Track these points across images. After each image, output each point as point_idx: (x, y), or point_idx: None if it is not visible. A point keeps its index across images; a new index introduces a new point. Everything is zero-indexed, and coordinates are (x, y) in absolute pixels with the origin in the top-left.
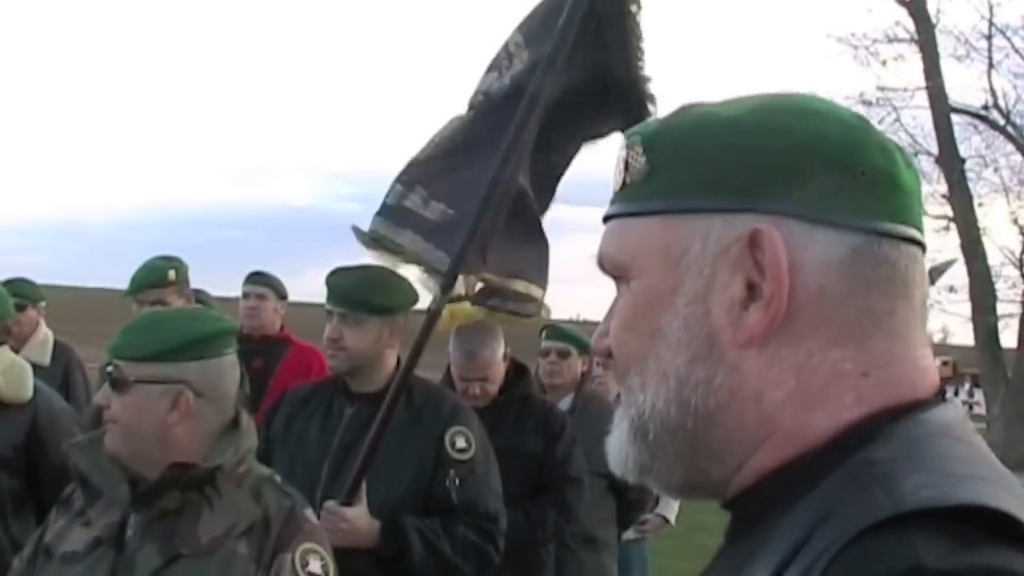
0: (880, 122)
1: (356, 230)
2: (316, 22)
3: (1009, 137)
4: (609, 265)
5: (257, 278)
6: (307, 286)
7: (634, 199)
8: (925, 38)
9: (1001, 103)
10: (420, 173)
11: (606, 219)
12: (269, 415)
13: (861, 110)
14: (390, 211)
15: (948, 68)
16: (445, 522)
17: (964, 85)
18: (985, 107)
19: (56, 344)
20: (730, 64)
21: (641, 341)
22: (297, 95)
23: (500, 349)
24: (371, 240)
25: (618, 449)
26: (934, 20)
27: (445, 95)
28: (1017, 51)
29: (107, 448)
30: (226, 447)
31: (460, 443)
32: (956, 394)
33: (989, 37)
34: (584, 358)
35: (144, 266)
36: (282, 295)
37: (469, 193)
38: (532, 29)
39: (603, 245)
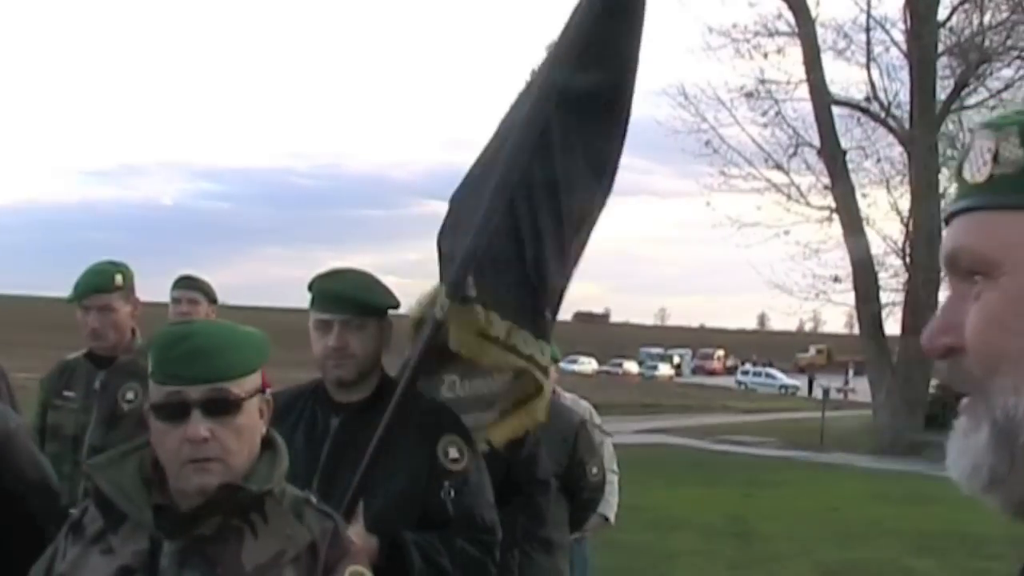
0: (763, 114)
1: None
2: (179, 15)
3: (889, 128)
4: (968, 260)
5: (187, 282)
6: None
7: (1008, 191)
8: (805, 31)
9: (881, 95)
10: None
11: (958, 212)
12: None
13: (743, 103)
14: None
15: (828, 61)
16: (443, 536)
17: (844, 78)
18: (867, 99)
19: None
20: (658, 54)
21: (1018, 340)
22: (161, 91)
23: None
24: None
25: (971, 456)
26: (813, 14)
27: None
28: (896, 44)
29: (202, 487)
30: (269, 468)
31: (453, 453)
32: (845, 383)
33: (868, 30)
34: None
35: (89, 270)
36: (213, 299)
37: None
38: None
39: (962, 239)
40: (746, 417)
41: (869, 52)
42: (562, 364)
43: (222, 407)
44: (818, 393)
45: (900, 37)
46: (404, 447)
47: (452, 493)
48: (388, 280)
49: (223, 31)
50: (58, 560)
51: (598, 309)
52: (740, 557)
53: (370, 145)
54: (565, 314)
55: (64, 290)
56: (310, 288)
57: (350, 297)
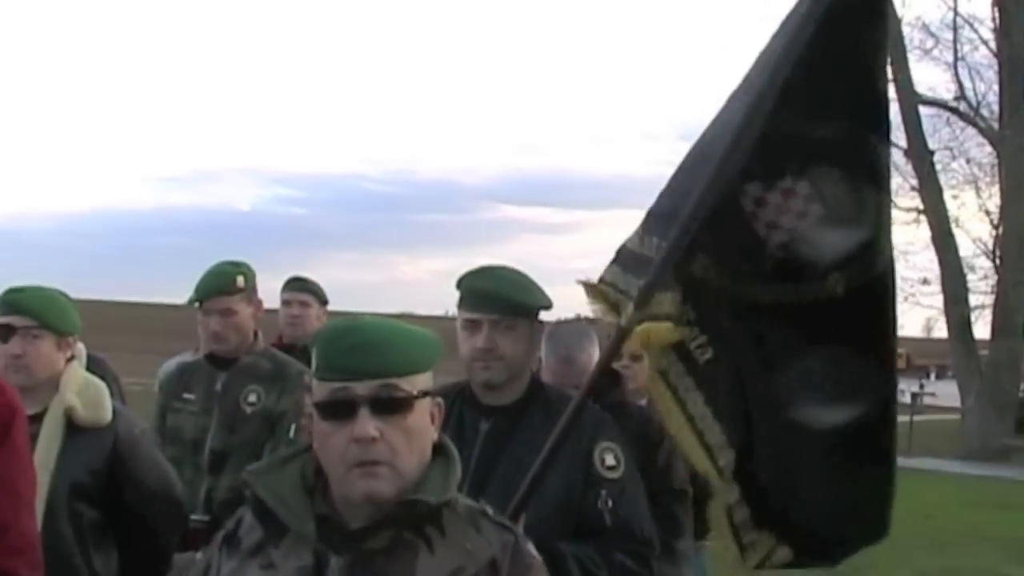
0: None
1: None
2: (256, 25)
3: (978, 128)
4: None
5: (298, 284)
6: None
7: None
8: (891, 31)
9: (969, 95)
10: (651, 212)
11: None
12: None
13: None
14: (621, 257)
15: (915, 61)
16: (601, 549)
17: (931, 78)
18: (955, 98)
19: (90, 357)
20: (713, 60)
21: None
22: (236, 97)
23: (596, 353)
24: (593, 288)
25: None
26: (900, 13)
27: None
28: (984, 42)
29: (369, 494)
30: (444, 476)
31: (610, 460)
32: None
33: (955, 28)
34: None
35: (210, 272)
36: (324, 301)
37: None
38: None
39: None
40: None
41: (956, 51)
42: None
43: (392, 405)
44: (900, 398)
45: (989, 35)
46: (560, 454)
47: (609, 503)
48: None
49: (298, 38)
50: (211, 575)
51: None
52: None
53: (442, 150)
54: None
55: (142, 295)
56: (458, 286)
57: (501, 296)
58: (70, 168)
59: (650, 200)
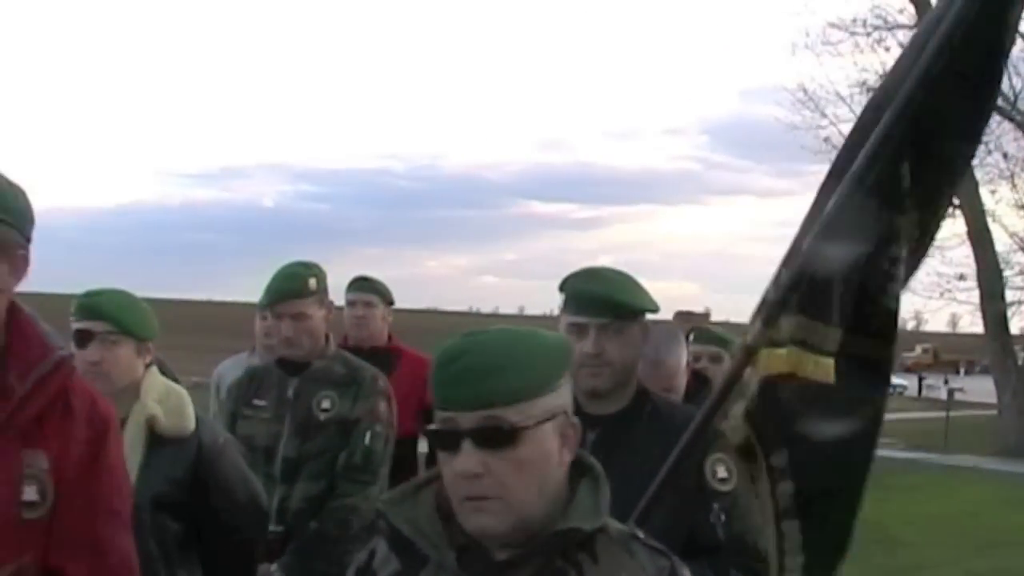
0: None
1: None
2: (278, 22)
3: (1015, 123)
4: None
5: (363, 284)
6: None
7: None
8: None
9: (1005, 89)
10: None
11: None
12: None
13: (862, 100)
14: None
15: None
16: (715, 566)
17: None
18: None
19: None
20: (736, 54)
21: None
22: (261, 94)
23: (685, 356)
24: None
25: None
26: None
27: (414, 93)
28: (1022, 35)
29: (480, 530)
30: (593, 498)
31: (721, 472)
32: (946, 382)
33: None
34: None
35: (281, 275)
36: (389, 301)
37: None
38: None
39: None
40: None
41: None
42: None
43: (496, 438)
44: (928, 393)
45: None
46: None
47: (722, 517)
48: (485, 280)
49: (322, 35)
50: None
51: (698, 308)
52: (889, 564)
53: (466, 146)
54: (665, 313)
55: (169, 291)
56: (562, 288)
57: (609, 298)
58: (97, 165)
59: (674, 195)
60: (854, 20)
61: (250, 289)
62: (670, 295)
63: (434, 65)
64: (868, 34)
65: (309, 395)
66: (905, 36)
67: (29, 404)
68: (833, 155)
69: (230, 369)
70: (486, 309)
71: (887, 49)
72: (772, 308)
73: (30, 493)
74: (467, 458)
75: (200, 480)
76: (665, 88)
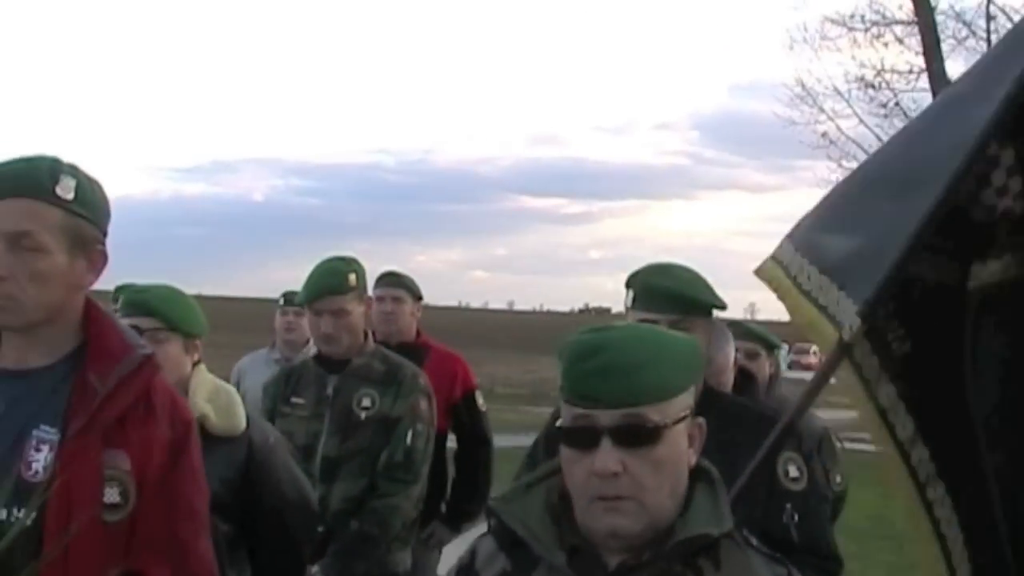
0: (883, 106)
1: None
2: (269, 17)
3: None
4: None
5: (392, 279)
6: (267, 280)
7: None
8: (925, 20)
9: None
10: (835, 200)
11: None
12: (544, 439)
13: (860, 95)
14: (798, 239)
15: (948, 51)
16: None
17: (965, 67)
18: None
19: None
20: (724, 50)
21: None
22: (252, 89)
23: (732, 353)
24: (769, 263)
25: None
26: (933, 1)
27: (406, 88)
28: None
29: (613, 531)
30: (712, 503)
31: (793, 471)
32: None
33: (988, 18)
34: (772, 358)
35: (321, 270)
36: (418, 296)
37: (893, 220)
38: None
39: None
40: (853, 413)
41: (990, 41)
42: None
43: (637, 436)
44: None
45: None
46: (739, 465)
47: (795, 517)
48: (475, 274)
49: (313, 29)
50: None
51: None
52: (897, 561)
53: (457, 141)
54: None
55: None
56: (630, 284)
57: (680, 294)
58: (87, 160)
59: (664, 190)
60: (852, 16)
61: (242, 283)
62: None
63: (426, 60)
64: (866, 29)
65: (349, 393)
66: (903, 31)
67: (112, 404)
68: (831, 150)
69: (250, 365)
70: (476, 304)
71: (885, 44)
72: (870, 307)
73: (112, 495)
74: (606, 456)
75: (251, 480)
76: (655, 84)
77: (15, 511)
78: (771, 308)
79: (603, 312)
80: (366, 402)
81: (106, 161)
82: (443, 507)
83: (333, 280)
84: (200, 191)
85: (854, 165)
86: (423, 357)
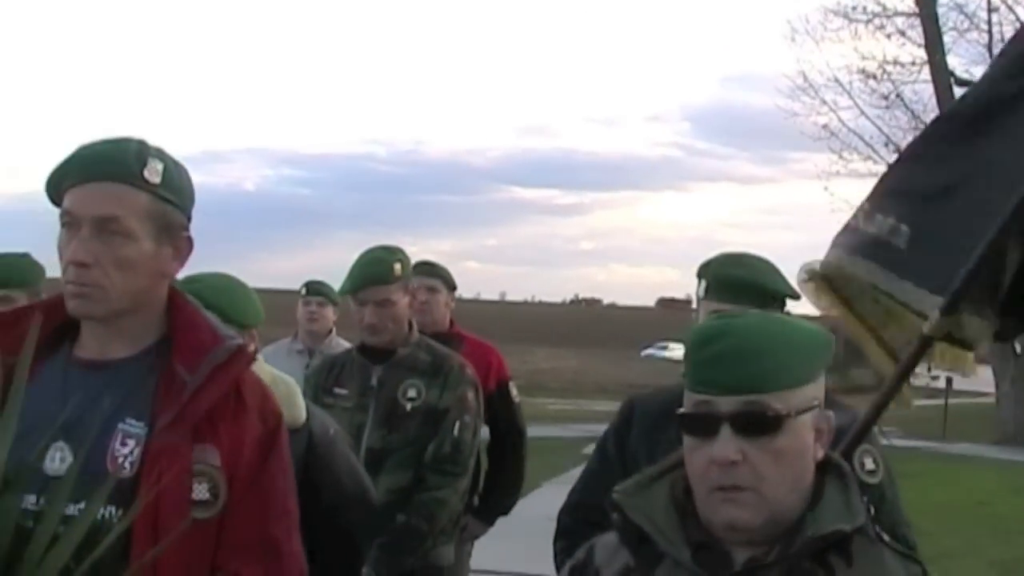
0: (885, 97)
1: (804, 268)
2: (259, 7)
3: None
4: None
5: (426, 268)
6: (260, 270)
7: None
8: (927, 12)
9: None
10: (889, 190)
11: None
12: (613, 432)
13: (862, 86)
14: (846, 238)
15: (950, 42)
16: None
17: (967, 58)
18: None
19: None
20: (739, 38)
21: None
22: (243, 78)
23: None
24: (812, 273)
25: None
26: None
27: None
28: (1023, 23)
29: (730, 522)
30: (843, 497)
31: (869, 464)
32: (928, 370)
33: (990, 10)
34: None
35: (365, 260)
36: (453, 286)
37: (959, 211)
38: None
39: None
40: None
41: (992, 32)
42: (651, 351)
43: (758, 425)
44: (919, 381)
45: None
46: None
47: (871, 511)
48: (467, 265)
49: (304, 19)
50: None
51: (679, 295)
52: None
53: (448, 131)
54: (648, 300)
55: None
56: (702, 274)
57: (755, 284)
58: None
59: (656, 181)
60: (854, 7)
61: (234, 273)
62: (652, 281)
63: (416, 50)
64: (868, 21)
65: (394, 384)
66: (905, 23)
67: (202, 397)
68: (831, 141)
69: (272, 356)
70: (468, 295)
71: (888, 36)
72: (953, 298)
73: (201, 491)
74: (725, 445)
75: (311, 473)
76: (647, 75)
77: (105, 509)
78: None
79: (593, 303)
80: (412, 393)
81: None
82: (475, 500)
83: (378, 269)
84: (194, 181)
85: (855, 157)
86: (457, 348)
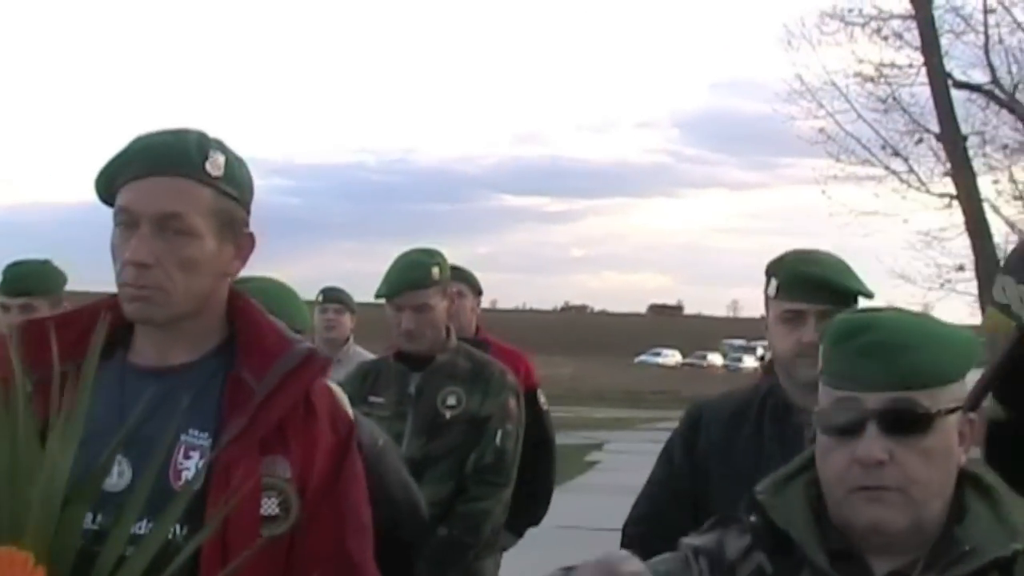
0: (882, 101)
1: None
2: (251, 17)
3: (1013, 111)
4: None
5: (452, 273)
6: None
7: None
8: (923, 14)
9: (1004, 78)
10: None
11: None
12: (680, 439)
13: (859, 89)
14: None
15: (947, 44)
16: None
17: (963, 61)
18: (990, 82)
19: None
20: (727, 45)
21: None
22: (233, 88)
23: None
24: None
25: None
26: None
27: (387, 87)
28: (1020, 25)
29: (876, 523)
30: (996, 511)
31: None
32: None
33: (986, 12)
34: None
35: (403, 263)
36: (479, 290)
37: None
38: None
39: None
40: None
41: (987, 34)
42: (645, 357)
43: (907, 423)
44: None
45: (1023, 17)
46: None
47: None
48: None
49: (295, 28)
50: None
51: (670, 301)
52: None
53: (439, 140)
54: (639, 306)
55: None
56: (772, 273)
57: (829, 283)
58: (73, 160)
59: (646, 188)
60: (850, 10)
61: None
62: (643, 288)
63: (407, 59)
64: (864, 24)
65: (433, 391)
66: (901, 26)
67: (272, 405)
68: (828, 145)
69: None
70: None
71: (884, 39)
72: None
73: (270, 506)
74: (871, 443)
75: None
76: (637, 82)
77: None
78: (753, 305)
79: (581, 310)
80: (451, 401)
81: (90, 162)
82: None
83: (415, 274)
84: None
85: (852, 160)
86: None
